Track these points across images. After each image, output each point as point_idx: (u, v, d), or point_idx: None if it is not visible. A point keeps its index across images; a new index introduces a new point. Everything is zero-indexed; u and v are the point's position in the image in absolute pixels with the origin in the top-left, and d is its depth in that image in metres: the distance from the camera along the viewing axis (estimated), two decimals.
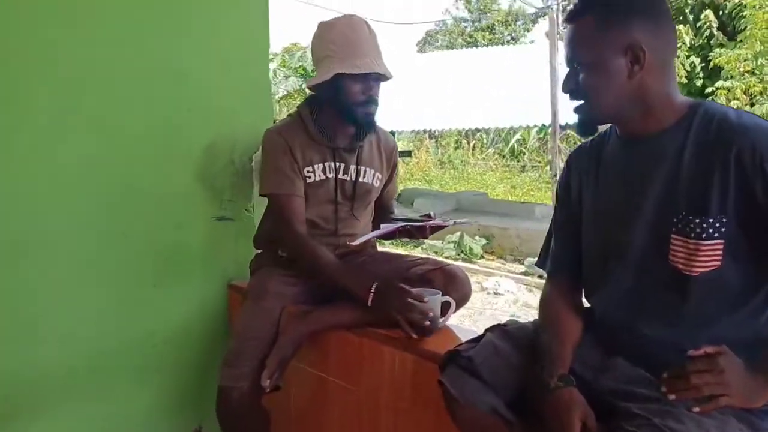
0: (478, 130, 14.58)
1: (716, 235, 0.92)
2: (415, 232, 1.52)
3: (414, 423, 1.38)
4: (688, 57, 10.46)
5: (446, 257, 5.49)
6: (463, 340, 1.33)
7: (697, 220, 0.92)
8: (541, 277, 5.10)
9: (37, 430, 1.55)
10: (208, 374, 1.44)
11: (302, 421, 1.72)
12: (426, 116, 6.65)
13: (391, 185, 1.83)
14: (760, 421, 0.88)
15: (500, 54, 8.52)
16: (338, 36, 1.52)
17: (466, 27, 21.93)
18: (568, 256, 1.18)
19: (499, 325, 1.21)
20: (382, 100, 1.62)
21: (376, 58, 1.52)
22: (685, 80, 10.27)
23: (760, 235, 0.90)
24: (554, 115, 4.66)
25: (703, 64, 10.61)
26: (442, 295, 1.40)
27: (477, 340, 1.15)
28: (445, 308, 1.42)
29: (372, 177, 1.70)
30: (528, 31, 20.80)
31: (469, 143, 15.32)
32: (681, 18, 11.35)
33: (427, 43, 22.37)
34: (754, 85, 6.92)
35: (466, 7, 21.97)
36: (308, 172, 1.59)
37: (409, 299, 1.34)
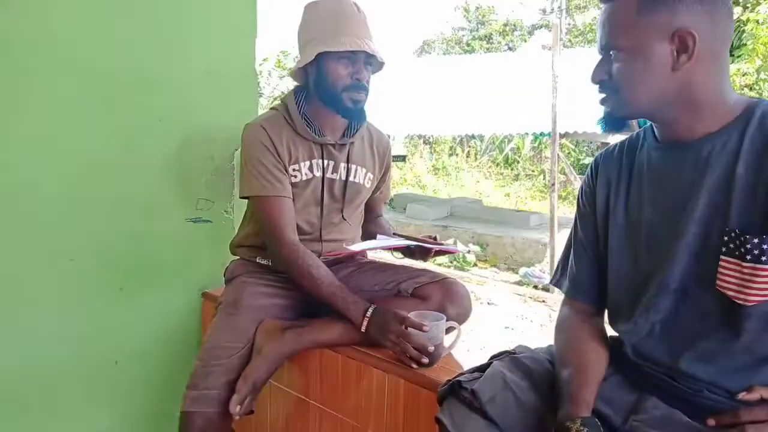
0: (472, 137, 14.47)
1: None
2: (419, 253, 1.39)
3: None
4: None
5: (438, 264, 5.34)
6: (464, 366, 1.17)
7: (755, 240, 0.77)
8: (536, 287, 4.96)
9: None
10: (179, 394, 1.25)
11: None
12: (421, 121, 6.51)
13: (384, 187, 1.67)
14: None
15: (497, 62, 8.38)
16: (323, 15, 1.39)
17: (463, 36, 21.88)
18: (591, 277, 1.02)
19: (508, 352, 1.04)
20: (376, 102, 1.45)
21: (365, 38, 1.36)
22: None
23: None
24: (554, 122, 4.51)
25: None
26: (447, 320, 1.24)
27: (482, 369, 0.99)
28: (450, 333, 1.26)
29: (363, 177, 1.54)
30: (525, 41, 20.77)
31: (463, 150, 15.22)
32: None
33: (423, 51, 22.29)
34: None
35: (464, 17, 21.92)
36: (294, 170, 1.44)
37: (407, 328, 1.19)
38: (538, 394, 0.93)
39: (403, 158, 14.42)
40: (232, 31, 1.79)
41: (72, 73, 1.43)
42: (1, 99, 1.33)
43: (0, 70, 1.32)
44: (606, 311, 1.03)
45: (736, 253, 0.79)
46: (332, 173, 1.49)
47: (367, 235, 1.64)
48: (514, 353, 1.03)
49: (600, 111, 0.94)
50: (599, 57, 0.90)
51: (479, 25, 21.09)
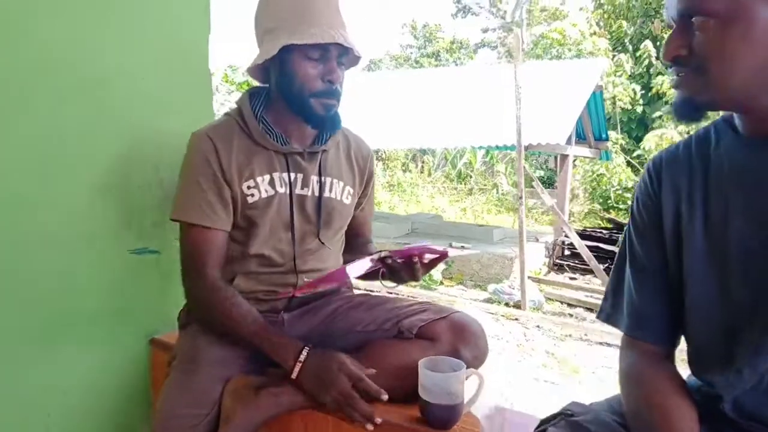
0: (425, 152, 14.45)
1: None
2: (404, 268, 1.11)
3: None
4: (630, 84, 10.77)
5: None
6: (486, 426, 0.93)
7: None
8: (507, 305, 4.80)
9: None
10: None
11: None
12: (374, 136, 6.30)
13: (367, 204, 1.41)
14: None
15: (447, 76, 8.32)
16: (287, 2, 1.13)
17: (411, 53, 22.07)
18: (659, 311, 0.81)
19: (562, 414, 0.81)
20: None
21: (338, 28, 1.13)
22: (629, 106, 10.54)
23: None
24: (519, 134, 4.41)
25: (644, 92, 10.97)
26: (467, 367, 0.99)
27: None
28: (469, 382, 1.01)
29: (341, 191, 1.29)
30: (471, 58, 21.18)
31: (416, 166, 15.19)
32: (621, 48, 11.77)
33: (371, 69, 22.36)
34: None
35: (412, 34, 22.14)
36: (249, 187, 1.18)
37: (355, 382, 0.99)
38: None
39: None
40: (183, 22, 1.51)
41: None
42: None
43: None
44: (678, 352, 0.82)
45: None
46: (302, 188, 1.23)
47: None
48: (571, 415, 0.80)
49: (673, 95, 0.73)
50: (674, 27, 0.69)
51: (426, 43, 21.38)
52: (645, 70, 11.19)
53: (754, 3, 0.62)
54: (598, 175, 9.13)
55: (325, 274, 1.16)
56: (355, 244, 1.41)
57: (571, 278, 5.80)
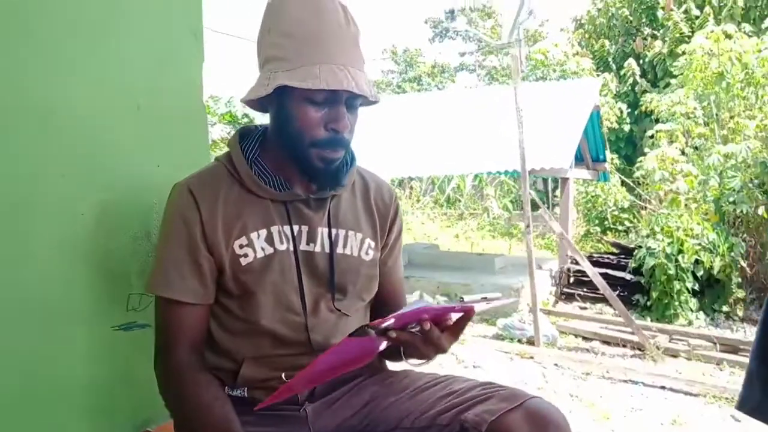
0: (411, 177, 14.28)
1: None
2: (418, 340, 0.88)
3: None
4: (615, 103, 10.73)
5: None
6: None
7: None
8: (520, 341, 4.50)
9: None
10: None
11: None
12: (362, 164, 6.06)
13: (390, 260, 1.14)
14: None
15: (432, 100, 8.14)
16: (292, 24, 0.90)
17: (393, 78, 22.10)
18: None
19: None
20: None
21: (349, 66, 0.91)
22: (615, 125, 10.49)
23: None
24: (523, 159, 4.18)
25: (630, 110, 10.94)
26: None
27: None
28: None
29: (359, 245, 1.05)
30: (453, 81, 21.26)
31: (404, 192, 14.98)
32: (604, 67, 11.80)
33: None
34: (692, 128, 6.95)
35: (392, 59, 22.19)
36: (241, 246, 0.97)
37: None
38: None
39: None
40: (172, 52, 1.23)
41: None
42: None
43: None
44: None
45: None
46: (308, 243, 1.00)
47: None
48: None
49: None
50: None
51: (408, 68, 21.41)
52: (630, 88, 11.20)
53: None
54: (593, 196, 8.98)
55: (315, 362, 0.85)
56: (385, 315, 1.13)
57: (582, 308, 5.54)
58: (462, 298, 0.87)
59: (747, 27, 7.20)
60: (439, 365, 3.76)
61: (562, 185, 6.08)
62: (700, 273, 4.83)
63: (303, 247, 1.00)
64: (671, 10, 10.70)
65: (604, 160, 6.97)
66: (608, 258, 5.72)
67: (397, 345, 0.87)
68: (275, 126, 0.97)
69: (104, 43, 1.10)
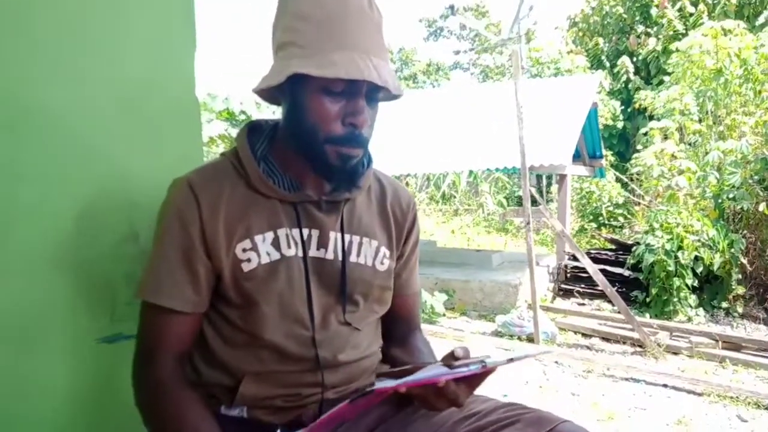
0: (408, 174, 14.19)
1: None
2: (429, 396, 0.82)
3: None
4: (609, 100, 10.73)
5: None
6: None
7: None
8: (520, 339, 4.45)
9: None
10: None
11: None
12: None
13: (405, 272, 1.07)
14: None
15: (429, 97, 8.05)
16: (309, 6, 0.82)
17: None
18: None
19: None
20: None
21: (372, 55, 0.82)
22: (610, 122, 10.48)
23: None
24: (523, 155, 4.12)
25: (623, 107, 10.94)
26: None
27: None
28: None
29: (373, 254, 0.97)
30: (448, 79, 21.23)
31: None
32: (598, 65, 11.79)
33: None
34: (688, 125, 6.93)
35: (389, 58, 22.12)
36: (244, 250, 0.89)
37: None
38: None
39: None
40: (161, 39, 1.14)
41: None
42: None
43: None
44: None
45: None
46: (318, 249, 0.93)
47: (394, 366, 1.05)
48: None
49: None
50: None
51: (403, 66, 21.35)
52: (624, 85, 11.20)
53: None
54: (587, 192, 8.97)
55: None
56: (396, 333, 1.07)
57: (580, 304, 5.50)
58: (484, 362, 0.79)
59: (741, 24, 7.22)
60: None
61: (560, 182, 6.03)
62: (699, 269, 4.81)
63: (313, 252, 0.92)
64: (665, 7, 10.70)
65: (601, 157, 6.94)
66: (606, 254, 5.68)
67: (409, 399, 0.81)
68: (287, 119, 0.88)
69: (85, 31, 1.00)
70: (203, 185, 0.88)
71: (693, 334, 4.25)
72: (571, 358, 4.04)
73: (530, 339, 4.36)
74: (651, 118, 8.41)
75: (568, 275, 5.87)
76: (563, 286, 5.78)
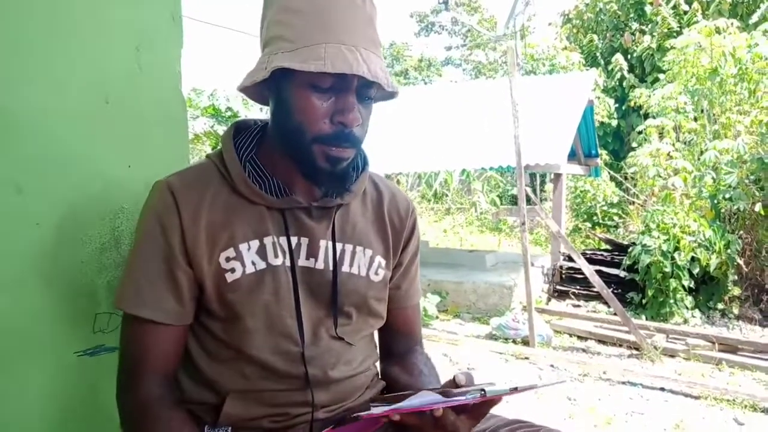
0: (399, 172, 14.12)
1: None
2: (431, 429, 0.76)
3: None
4: (604, 98, 10.68)
5: None
6: None
7: None
8: (515, 342, 4.38)
9: None
10: None
11: None
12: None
13: (405, 283, 1.01)
14: None
15: (420, 94, 7.97)
16: (300, 1, 0.75)
17: None
18: None
19: None
20: None
21: (362, 48, 0.76)
22: (605, 120, 10.44)
23: None
24: (518, 155, 4.04)
25: (617, 105, 10.91)
26: None
27: None
28: None
29: (367, 264, 0.92)
30: (440, 76, 21.15)
31: None
32: (592, 62, 11.74)
33: None
34: (683, 124, 6.88)
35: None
36: (228, 259, 0.83)
37: None
38: None
39: None
40: (146, 37, 1.06)
41: None
42: None
43: None
44: None
45: None
46: (307, 258, 0.87)
47: (394, 388, 0.99)
48: None
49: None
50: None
51: (395, 62, 21.25)
52: (618, 83, 11.17)
53: None
54: (582, 192, 8.92)
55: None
56: (396, 350, 1.01)
57: (575, 306, 5.44)
58: (484, 390, 0.72)
59: (735, 22, 7.17)
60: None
61: (555, 181, 5.97)
62: (695, 270, 4.76)
63: (302, 262, 0.86)
64: (659, 5, 10.66)
65: (596, 156, 6.89)
66: (601, 255, 5.63)
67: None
68: (274, 118, 0.82)
69: (65, 27, 0.93)
70: (184, 190, 0.82)
71: (689, 336, 4.20)
72: (567, 361, 3.98)
73: (525, 342, 4.30)
74: (646, 116, 8.38)
75: (563, 276, 5.82)
76: (558, 287, 5.72)
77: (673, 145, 6.86)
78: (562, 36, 12.66)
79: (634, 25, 11.40)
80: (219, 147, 0.89)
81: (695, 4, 10.16)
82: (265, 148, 0.87)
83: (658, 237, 4.80)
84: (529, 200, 4.39)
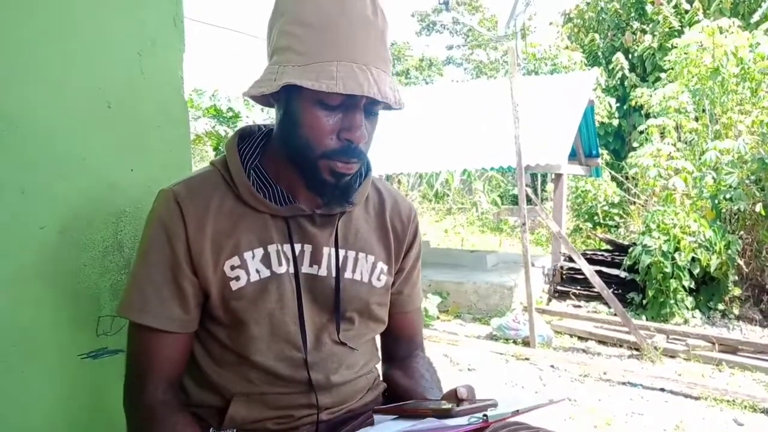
0: (399, 174, 14.13)
1: None
2: None
3: None
4: (605, 97, 10.67)
5: None
6: None
7: None
8: (515, 342, 4.39)
9: None
10: None
11: None
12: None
13: (407, 288, 1.02)
14: None
15: (421, 94, 7.97)
16: (309, 11, 0.75)
17: None
18: None
19: None
20: None
21: (373, 67, 0.76)
22: (606, 119, 10.43)
23: None
24: (519, 155, 4.05)
25: (618, 105, 10.89)
26: None
27: None
28: None
29: (369, 269, 0.93)
30: (441, 75, 21.14)
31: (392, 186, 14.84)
32: (594, 61, 11.73)
33: None
34: (684, 123, 6.88)
35: None
36: (233, 267, 0.84)
37: None
38: None
39: None
40: (148, 41, 1.07)
41: None
42: None
43: None
44: None
45: None
46: (311, 266, 0.88)
47: (395, 391, 1.00)
48: None
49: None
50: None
51: (396, 61, 21.27)
52: (619, 82, 11.15)
53: None
54: (582, 192, 8.92)
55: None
56: (397, 354, 1.03)
57: (575, 306, 5.45)
58: (486, 415, 0.72)
59: (736, 21, 7.16)
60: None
61: (555, 181, 5.97)
62: (696, 271, 4.76)
63: (305, 269, 0.87)
64: (661, 4, 10.65)
65: (597, 156, 6.88)
66: (602, 255, 5.63)
67: None
68: (280, 129, 0.83)
69: (67, 33, 0.94)
70: (189, 198, 0.83)
71: (690, 337, 4.21)
72: (567, 362, 3.98)
73: (526, 342, 4.30)
74: (647, 116, 8.37)
75: (564, 277, 5.82)
76: (559, 287, 5.73)
77: (674, 144, 6.85)
78: (564, 35, 12.66)
79: (636, 25, 11.38)
80: (223, 154, 0.89)
81: (696, 3, 10.15)
82: (269, 156, 0.88)
83: (659, 237, 4.81)
84: (529, 200, 4.39)
